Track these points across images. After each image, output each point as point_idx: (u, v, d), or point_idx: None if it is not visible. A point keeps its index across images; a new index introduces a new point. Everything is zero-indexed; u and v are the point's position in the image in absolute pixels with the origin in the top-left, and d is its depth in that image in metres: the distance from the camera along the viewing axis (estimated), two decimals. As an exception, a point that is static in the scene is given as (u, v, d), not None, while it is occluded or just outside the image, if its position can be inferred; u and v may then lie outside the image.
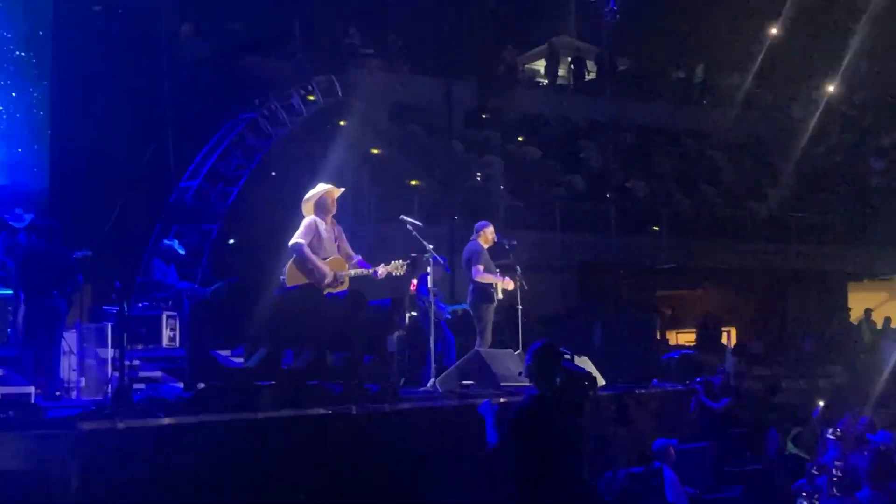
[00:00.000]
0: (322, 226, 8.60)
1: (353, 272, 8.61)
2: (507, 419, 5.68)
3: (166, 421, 6.24)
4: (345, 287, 8.64)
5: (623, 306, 19.74)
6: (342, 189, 8.91)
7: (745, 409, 13.96)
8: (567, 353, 6.06)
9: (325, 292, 8.23)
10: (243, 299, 7.07)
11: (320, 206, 8.65)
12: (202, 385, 7.18)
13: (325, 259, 8.56)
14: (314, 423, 6.89)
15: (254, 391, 6.96)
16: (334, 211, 8.75)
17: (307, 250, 8.39)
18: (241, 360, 8.10)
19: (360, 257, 8.79)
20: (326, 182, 8.94)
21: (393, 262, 8.76)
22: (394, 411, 7.42)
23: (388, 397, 7.68)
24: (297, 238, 8.43)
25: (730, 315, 23.08)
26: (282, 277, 8.37)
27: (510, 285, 10.88)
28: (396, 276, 9.43)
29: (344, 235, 8.87)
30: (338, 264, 8.65)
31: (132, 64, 14.56)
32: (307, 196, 8.75)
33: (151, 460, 6.00)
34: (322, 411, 6.99)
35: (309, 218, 8.58)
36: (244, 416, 6.58)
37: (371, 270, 8.64)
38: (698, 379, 11.71)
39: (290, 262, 8.44)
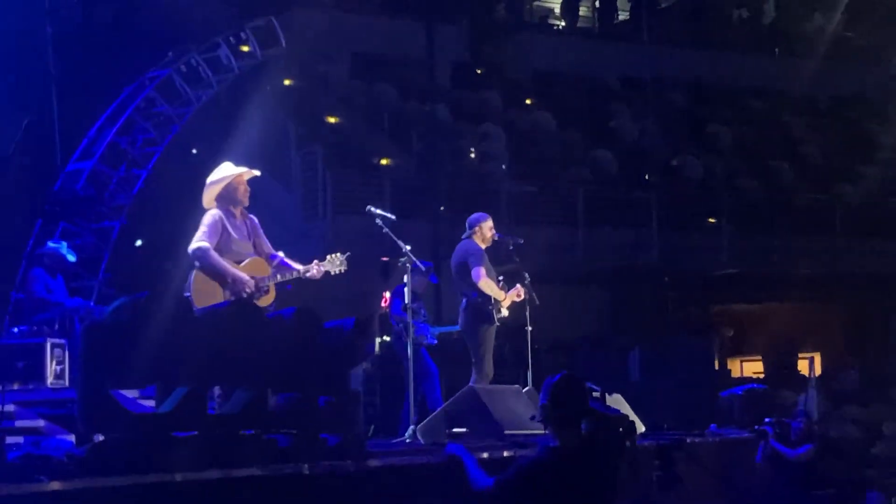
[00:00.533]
0: (229, 221, 8.77)
1: (278, 277, 8.76)
2: (513, 476, 5.73)
3: (52, 486, 6.25)
4: (271, 298, 8.77)
5: (669, 327, 19.85)
6: (255, 172, 9.07)
7: (835, 461, 14.07)
8: (596, 390, 6.10)
9: (262, 310, 8.30)
10: (155, 321, 7.06)
11: (226, 196, 8.83)
12: (100, 437, 7.20)
13: (238, 263, 8.71)
14: (251, 488, 6.91)
15: (169, 445, 6.99)
16: (246, 202, 8.94)
17: (213, 255, 8.54)
18: (151, 402, 8.14)
19: (281, 255, 8.94)
20: (251, 164, 9.08)
21: (329, 257, 8.94)
22: (360, 471, 7.45)
23: (352, 452, 7.72)
24: (197, 241, 8.57)
25: (812, 337, 23.22)
26: (186, 294, 8.47)
27: (517, 298, 10.96)
28: (363, 290, 9.49)
29: (260, 230, 9.02)
30: (257, 267, 8.77)
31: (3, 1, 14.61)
32: (208, 181, 8.92)
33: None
34: (261, 472, 7.01)
35: (211, 213, 8.74)
36: (156, 479, 6.59)
37: (300, 270, 8.79)
38: (768, 420, 11.82)
39: (194, 272, 8.56)
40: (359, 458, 7.68)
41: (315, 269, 8.86)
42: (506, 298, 10.91)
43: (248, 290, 8.60)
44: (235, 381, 7.62)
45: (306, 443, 7.61)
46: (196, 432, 7.23)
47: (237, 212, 8.88)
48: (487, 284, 10.80)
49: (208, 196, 8.89)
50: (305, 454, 7.41)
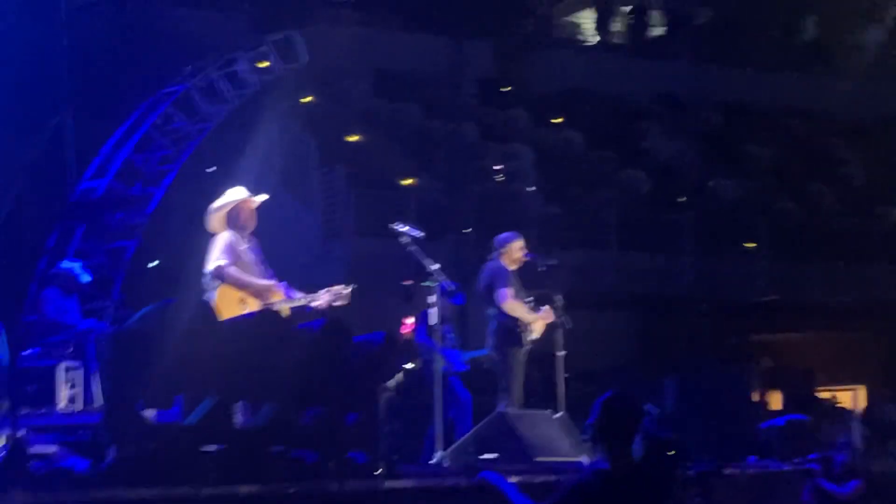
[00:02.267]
0: (241, 245, 8.89)
1: (286, 304, 8.79)
2: (559, 500, 5.67)
3: (76, 497, 6.30)
4: None
5: (705, 356, 19.77)
6: (263, 197, 9.18)
7: (879, 498, 13.97)
8: (651, 412, 6.02)
9: (290, 322, 8.35)
10: (182, 330, 7.14)
11: (233, 221, 8.95)
12: (124, 449, 7.25)
13: None
14: None
15: (196, 459, 7.04)
16: (251, 227, 9.06)
17: (234, 270, 8.63)
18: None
19: (284, 284, 8.99)
20: (270, 182, 9.17)
21: (334, 288, 8.93)
22: (389, 490, 7.47)
23: (380, 471, 7.75)
24: (215, 260, 8.66)
25: (857, 368, 23.08)
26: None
27: (548, 319, 10.95)
28: (383, 316, 9.50)
29: (263, 257, 9.12)
30: (270, 293, 8.84)
31: (19, 12, 14.71)
32: (213, 207, 9.04)
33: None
34: (289, 488, 7.04)
35: (223, 235, 8.85)
36: (182, 492, 6.63)
37: (304, 299, 8.82)
38: (813, 456, 11.74)
39: (217, 290, 8.61)
40: (388, 478, 7.70)
41: (323, 297, 8.86)
42: (536, 320, 10.89)
43: (275, 300, 8.66)
44: (262, 394, 7.67)
45: (334, 461, 7.64)
46: (222, 446, 7.28)
47: (244, 237, 9.00)
48: (513, 307, 10.78)
49: (215, 220, 9.00)
50: (332, 472, 7.45)
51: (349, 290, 8.93)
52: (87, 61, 15.32)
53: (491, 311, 10.96)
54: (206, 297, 8.69)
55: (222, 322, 7.79)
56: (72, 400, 11.11)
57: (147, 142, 15.23)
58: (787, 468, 11.78)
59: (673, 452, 5.82)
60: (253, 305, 8.68)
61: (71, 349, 11.63)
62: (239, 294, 8.69)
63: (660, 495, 5.78)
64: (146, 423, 7.02)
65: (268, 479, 7.09)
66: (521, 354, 10.87)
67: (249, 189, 9.35)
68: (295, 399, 7.69)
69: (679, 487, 5.81)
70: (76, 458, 9.19)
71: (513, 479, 7.80)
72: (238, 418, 7.81)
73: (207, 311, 7.74)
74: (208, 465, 7.01)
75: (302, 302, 8.88)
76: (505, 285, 10.80)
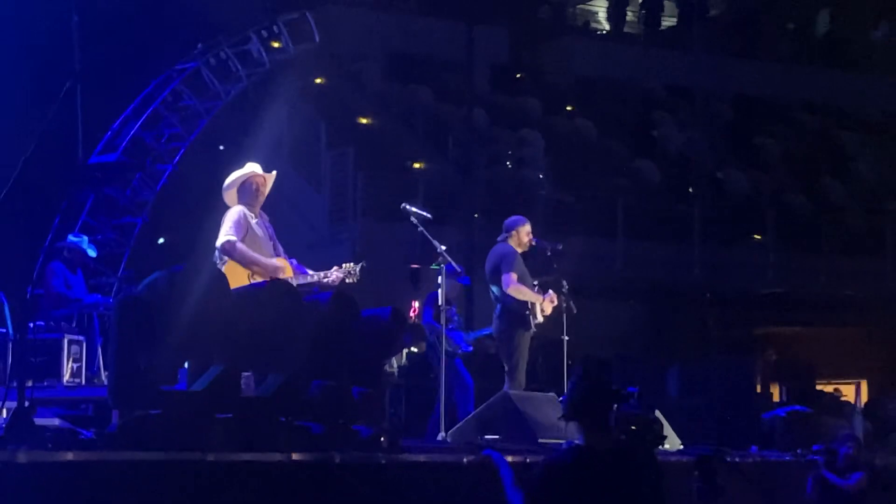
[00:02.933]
0: (253, 219, 8.92)
1: (297, 280, 8.86)
2: (535, 480, 5.60)
3: (82, 457, 6.33)
4: None
5: (710, 346, 19.71)
6: (273, 173, 9.22)
7: (881, 492, 13.92)
8: (633, 391, 5.95)
9: (300, 293, 8.37)
10: (191, 296, 7.16)
11: (245, 194, 8.99)
12: (130, 413, 7.26)
13: None
14: (284, 473, 6.98)
15: (201, 424, 7.07)
16: (261, 201, 9.09)
17: (243, 246, 8.68)
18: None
19: (294, 261, 9.05)
20: (279, 162, 9.22)
21: (345, 265, 9.01)
22: (393, 464, 7.49)
23: (384, 444, 7.77)
24: (225, 235, 8.71)
25: (860, 362, 23.04)
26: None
27: (553, 303, 10.92)
28: (391, 298, 9.51)
29: (273, 232, 9.16)
30: (279, 271, 8.87)
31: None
32: (228, 181, 9.09)
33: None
34: (295, 457, 7.08)
35: (235, 209, 8.90)
36: (188, 457, 6.68)
37: (316, 276, 8.88)
38: (817, 447, 11.69)
39: (226, 265, 8.66)
40: (392, 451, 7.72)
41: (334, 275, 8.96)
42: (542, 303, 10.87)
43: (283, 276, 8.69)
44: (270, 364, 7.69)
45: (339, 432, 7.67)
46: (230, 414, 7.31)
47: (255, 211, 9.04)
48: (518, 290, 10.77)
49: (229, 195, 9.08)
50: (338, 444, 7.47)
51: (359, 267, 8.98)
52: (98, 35, 15.27)
53: (497, 293, 10.94)
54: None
55: (232, 290, 7.79)
56: (75, 374, 11.14)
57: (156, 118, 15.22)
58: (788, 458, 11.73)
59: (655, 427, 5.69)
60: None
61: (75, 323, 11.66)
62: (247, 271, 8.71)
63: (638, 473, 5.68)
64: (153, 388, 7.04)
65: (272, 448, 7.13)
66: (526, 338, 10.85)
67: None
68: (302, 370, 7.72)
69: (656, 465, 5.68)
70: (80, 429, 9.23)
71: (515, 459, 7.83)
72: (245, 387, 7.83)
73: (219, 277, 7.75)
74: (214, 431, 7.05)
75: (313, 279, 8.91)
76: (511, 268, 10.79)
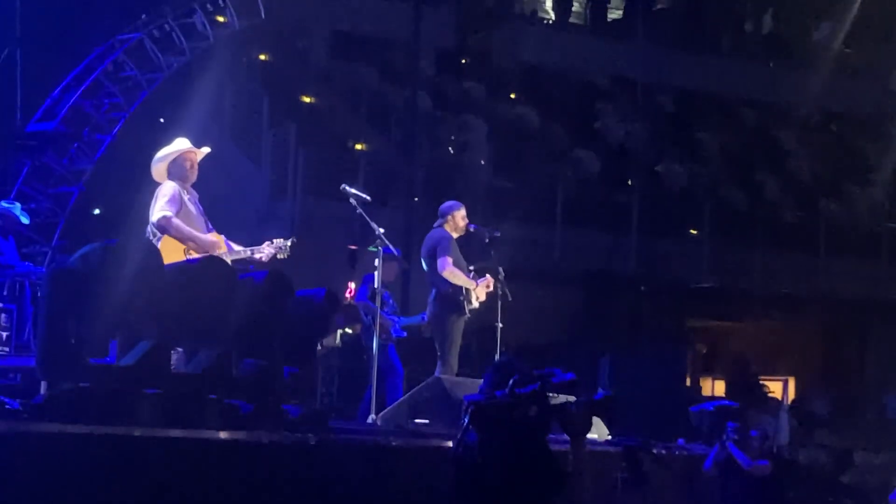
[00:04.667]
0: (185, 195, 8.91)
1: (229, 256, 8.85)
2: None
3: (7, 427, 6.30)
4: None
5: (642, 337, 19.87)
6: (206, 150, 9.20)
7: (802, 487, 14.12)
8: (570, 378, 5.93)
9: (234, 270, 8.35)
10: (124, 270, 7.10)
11: (176, 171, 8.96)
12: (58, 386, 7.20)
13: None
14: (210, 450, 6.98)
15: (130, 399, 7.03)
16: (193, 178, 9.08)
17: (178, 222, 8.64)
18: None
19: (224, 238, 9.04)
20: (220, 137, 9.15)
21: (276, 241, 9.02)
22: (321, 444, 7.49)
23: (313, 425, 7.77)
24: (161, 210, 8.68)
25: (787, 359, 23.32)
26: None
27: (488, 288, 10.93)
28: (328, 278, 9.48)
29: (203, 210, 9.15)
30: (214, 248, 8.84)
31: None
32: (158, 155, 9.06)
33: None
34: (223, 435, 7.06)
35: (170, 184, 8.86)
36: (115, 431, 6.64)
37: (247, 251, 8.89)
38: (732, 424, 11.84)
39: (161, 241, 8.61)
40: (320, 432, 7.72)
41: (266, 249, 8.97)
42: (476, 288, 10.88)
43: (218, 252, 8.66)
44: (201, 340, 7.67)
45: (269, 412, 7.66)
46: (159, 390, 7.28)
47: (186, 188, 9.02)
48: (453, 274, 10.77)
49: (158, 169, 9.04)
50: (267, 423, 7.47)
51: (290, 242, 8.95)
52: (39, 3, 15.08)
53: (432, 278, 10.94)
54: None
55: (166, 265, 7.74)
56: (4, 343, 10.98)
57: (97, 88, 15.06)
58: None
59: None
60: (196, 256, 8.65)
61: (5, 292, 11.48)
62: (183, 247, 8.65)
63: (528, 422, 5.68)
64: (82, 361, 6.98)
65: (201, 425, 7.12)
66: (460, 323, 10.87)
67: (198, 142, 9.32)
68: (233, 348, 7.69)
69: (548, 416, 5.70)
70: (6, 399, 9.10)
71: (448, 444, 7.84)
72: (175, 363, 7.80)
73: (153, 252, 7.69)
74: (142, 406, 7.02)
75: (245, 255, 8.89)
76: (447, 253, 10.80)
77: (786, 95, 25.92)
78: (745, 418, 13.55)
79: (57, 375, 7.17)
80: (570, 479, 5.50)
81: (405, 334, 12.61)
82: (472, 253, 11.64)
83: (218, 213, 9.53)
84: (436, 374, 10.68)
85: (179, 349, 8.01)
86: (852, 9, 26.48)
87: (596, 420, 10.38)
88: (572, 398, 5.65)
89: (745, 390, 19.82)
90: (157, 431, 6.89)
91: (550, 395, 5.63)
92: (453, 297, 10.80)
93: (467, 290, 10.83)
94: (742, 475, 11.34)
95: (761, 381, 20.86)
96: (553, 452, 5.59)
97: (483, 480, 5.50)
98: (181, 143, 9.08)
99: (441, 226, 11.08)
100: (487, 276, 11.05)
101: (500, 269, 11.22)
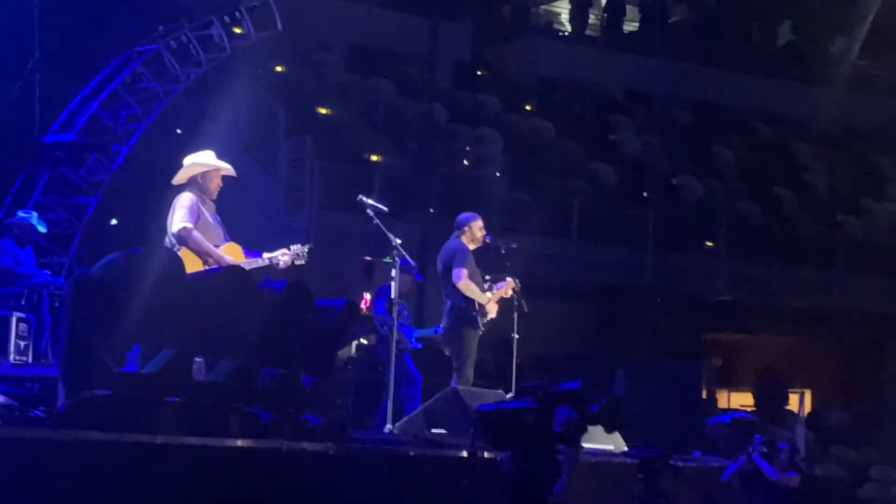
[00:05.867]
0: (203, 207, 8.98)
1: (248, 263, 8.91)
2: None
3: (32, 434, 6.35)
4: None
5: (658, 350, 19.87)
6: (232, 171, 9.27)
7: (819, 501, 14.11)
8: (576, 386, 5.99)
9: (254, 280, 8.40)
10: (146, 279, 7.16)
11: (200, 184, 9.03)
12: (80, 394, 7.25)
13: (216, 248, 8.89)
14: (232, 459, 7.02)
15: (152, 407, 7.07)
16: (214, 196, 9.15)
17: (197, 235, 8.69)
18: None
19: (239, 247, 9.10)
20: (236, 149, 9.24)
21: (293, 247, 9.06)
22: (341, 454, 7.53)
23: (333, 435, 7.80)
24: (181, 222, 8.73)
25: (804, 373, 23.27)
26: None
27: (505, 295, 10.93)
28: (343, 289, 9.53)
29: (221, 221, 9.21)
30: (233, 253, 8.95)
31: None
32: (189, 160, 9.10)
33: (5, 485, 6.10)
34: (243, 443, 7.10)
35: (187, 195, 8.92)
36: (137, 439, 6.68)
37: (266, 259, 8.93)
38: (759, 437, 11.83)
39: (179, 251, 8.66)
40: (340, 441, 7.76)
41: (283, 257, 9.02)
42: (494, 296, 10.90)
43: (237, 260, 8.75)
44: (222, 349, 7.71)
45: (289, 421, 7.71)
46: (180, 399, 7.32)
47: (207, 202, 9.08)
48: (468, 287, 10.78)
49: (184, 174, 9.06)
50: (287, 432, 7.51)
51: (307, 249, 9.01)
52: (60, 13, 15.18)
53: (448, 290, 10.96)
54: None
55: (188, 275, 7.80)
56: (21, 352, 11.05)
57: (114, 99, 15.10)
58: (729, 464, 11.86)
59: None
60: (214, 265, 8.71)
61: (24, 301, 11.56)
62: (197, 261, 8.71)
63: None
64: (105, 369, 7.03)
65: (221, 433, 7.15)
66: (475, 335, 10.87)
67: (215, 154, 9.35)
68: (254, 357, 7.73)
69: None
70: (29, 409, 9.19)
71: (463, 454, 7.90)
72: (196, 372, 7.84)
73: (176, 261, 7.74)
74: (164, 414, 7.06)
75: (263, 262, 8.93)
76: (462, 265, 10.81)
77: (802, 109, 25.94)
78: (763, 431, 13.58)
79: (80, 383, 7.21)
80: (564, 486, 5.53)
81: (420, 346, 12.64)
82: (489, 264, 11.67)
83: (233, 225, 9.57)
84: (451, 384, 10.70)
85: (199, 358, 8.06)
86: (868, 22, 26.49)
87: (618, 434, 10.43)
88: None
89: (774, 402, 19.84)
90: (179, 439, 6.93)
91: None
92: (467, 311, 10.81)
93: (480, 304, 10.83)
94: (768, 487, 11.31)
95: (766, 395, 20.92)
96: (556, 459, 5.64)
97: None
98: (212, 158, 9.14)
99: (458, 237, 11.10)
100: (508, 279, 11.08)
101: (517, 282, 11.23)
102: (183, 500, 6.67)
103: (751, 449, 11.33)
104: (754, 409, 20.07)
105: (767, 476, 11.27)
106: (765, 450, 11.46)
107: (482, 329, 10.94)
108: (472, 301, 10.84)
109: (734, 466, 11.34)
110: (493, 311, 10.94)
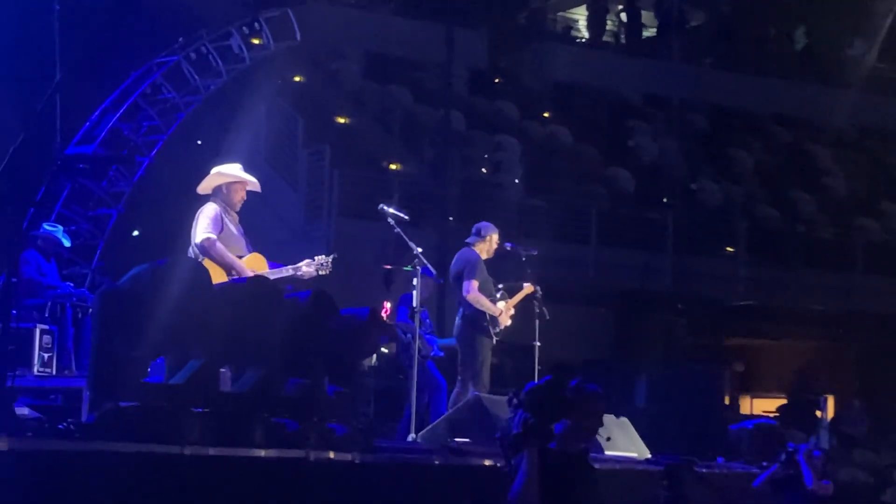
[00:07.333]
0: (227, 217, 9.05)
1: (272, 274, 8.98)
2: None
3: (61, 446, 6.39)
4: None
5: (678, 356, 19.84)
6: (258, 187, 9.32)
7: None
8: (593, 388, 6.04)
9: (280, 290, 8.44)
10: (173, 290, 7.22)
11: (224, 194, 9.10)
12: (111, 405, 7.30)
13: (239, 259, 8.98)
14: (258, 469, 7.06)
15: (179, 417, 7.12)
16: (238, 208, 9.23)
17: (221, 246, 8.77)
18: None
19: (263, 258, 9.18)
20: (256, 158, 9.30)
21: (317, 258, 9.11)
22: (365, 463, 7.56)
23: (358, 444, 7.83)
24: (205, 232, 8.81)
25: (827, 377, 23.21)
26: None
27: (529, 290, 10.94)
28: (363, 298, 9.57)
29: (244, 232, 9.30)
30: (256, 263, 9.03)
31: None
32: (218, 170, 9.17)
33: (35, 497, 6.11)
34: (269, 453, 7.14)
35: (211, 206, 9.00)
36: (165, 450, 6.74)
37: (290, 269, 9.01)
38: (804, 445, 11.78)
39: (203, 261, 8.72)
40: (365, 450, 7.80)
41: (305, 268, 9.06)
42: (507, 306, 10.90)
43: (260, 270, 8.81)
44: (248, 360, 7.76)
45: (314, 430, 7.75)
46: (206, 409, 7.37)
47: (231, 213, 9.15)
48: (477, 300, 10.77)
49: (208, 182, 9.13)
50: (312, 441, 7.55)
51: (331, 258, 9.06)
52: (80, 25, 15.27)
53: (460, 298, 10.97)
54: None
55: (213, 285, 7.86)
56: (45, 364, 11.10)
57: (135, 111, 15.20)
58: (754, 470, 11.84)
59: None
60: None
61: (47, 313, 11.62)
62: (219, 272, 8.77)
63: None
64: (133, 380, 7.09)
65: (248, 443, 7.19)
66: (488, 343, 10.86)
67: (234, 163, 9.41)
68: (279, 367, 7.78)
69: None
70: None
71: (486, 462, 7.92)
72: (223, 382, 7.90)
73: (202, 272, 7.80)
74: (191, 425, 7.11)
75: (288, 273, 8.98)
76: (472, 277, 10.78)
77: (820, 112, 25.89)
78: (786, 437, 13.55)
79: (109, 394, 7.27)
80: (521, 489, 5.55)
81: (443, 354, 12.67)
82: (508, 271, 11.69)
83: (254, 235, 9.63)
84: (469, 392, 10.70)
85: (225, 368, 8.11)
86: (885, 24, 26.44)
87: (635, 438, 10.45)
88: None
89: (806, 408, 19.78)
90: (206, 450, 6.98)
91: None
92: (478, 320, 10.82)
93: (492, 315, 10.82)
94: (804, 494, 11.19)
95: (788, 400, 20.87)
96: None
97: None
98: (239, 171, 9.22)
99: (473, 245, 11.07)
100: (525, 285, 11.09)
101: (538, 289, 11.24)
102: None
103: (783, 456, 11.19)
104: (776, 414, 20.05)
105: (805, 484, 11.12)
106: (813, 457, 11.32)
107: (495, 336, 10.92)
108: (482, 310, 10.83)
109: (767, 473, 11.25)
110: (506, 321, 10.92)
